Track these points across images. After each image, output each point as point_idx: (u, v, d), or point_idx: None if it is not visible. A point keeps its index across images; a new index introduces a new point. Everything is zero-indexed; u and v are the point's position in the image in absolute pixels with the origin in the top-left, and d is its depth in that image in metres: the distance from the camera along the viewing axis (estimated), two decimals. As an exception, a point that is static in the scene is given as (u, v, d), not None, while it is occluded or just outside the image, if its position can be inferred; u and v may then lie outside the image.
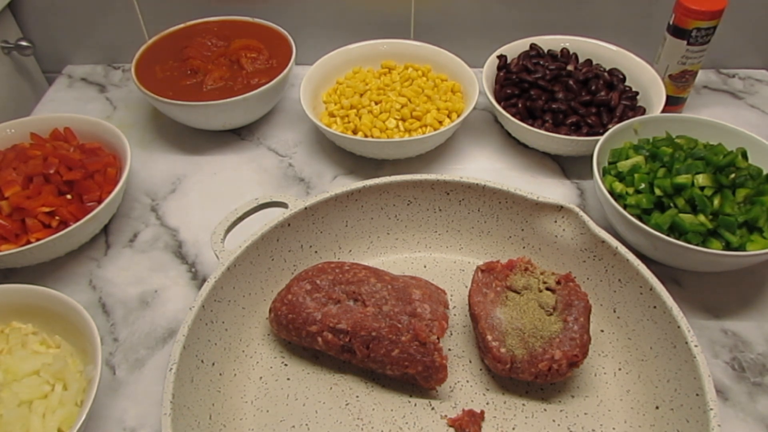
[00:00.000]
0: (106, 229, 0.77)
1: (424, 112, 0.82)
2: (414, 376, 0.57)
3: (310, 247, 0.68)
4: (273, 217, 0.64)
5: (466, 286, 0.68)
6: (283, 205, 0.66)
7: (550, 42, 0.90)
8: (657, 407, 0.56)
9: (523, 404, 0.58)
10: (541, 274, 0.61)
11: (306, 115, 0.82)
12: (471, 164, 0.85)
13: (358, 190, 0.67)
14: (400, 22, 0.98)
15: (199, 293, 0.58)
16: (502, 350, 0.57)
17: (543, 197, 0.65)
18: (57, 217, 0.69)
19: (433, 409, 0.59)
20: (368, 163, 0.85)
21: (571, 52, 0.89)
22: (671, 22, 0.81)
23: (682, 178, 0.65)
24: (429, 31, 0.98)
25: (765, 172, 0.68)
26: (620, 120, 0.79)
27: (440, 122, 0.82)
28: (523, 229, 0.68)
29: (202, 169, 0.85)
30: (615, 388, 0.59)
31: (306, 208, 0.66)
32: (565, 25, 0.95)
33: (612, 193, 0.68)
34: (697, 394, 0.52)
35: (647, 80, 0.85)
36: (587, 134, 0.80)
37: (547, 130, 0.80)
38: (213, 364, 0.59)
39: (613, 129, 0.73)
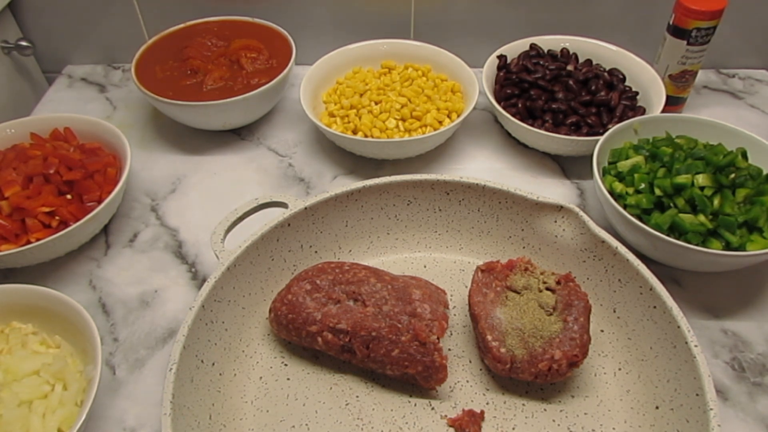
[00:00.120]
0: (106, 229, 0.77)
1: (424, 112, 0.82)
2: (414, 376, 0.57)
3: (310, 247, 0.68)
4: (273, 217, 0.64)
5: (466, 286, 0.68)
6: (283, 205, 0.66)
7: (550, 42, 0.90)
8: (657, 407, 0.56)
9: (523, 404, 0.58)
10: (541, 274, 0.61)
11: (306, 115, 0.82)
12: (471, 164, 0.85)
13: (358, 190, 0.67)
14: (400, 22, 0.98)
15: (199, 293, 0.58)
16: (502, 350, 0.57)
17: (543, 197, 0.65)
18: (57, 217, 0.69)
19: (433, 409, 0.59)
20: (368, 163, 0.85)
21: (571, 52, 0.89)
22: (671, 22, 0.81)
23: (682, 178, 0.65)
24: (429, 31, 0.98)
25: (765, 172, 0.68)
26: (620, 120, 0.79)
27: (440, 122, 0.82)
28: (523, 229, 0.68)
29: (202, 169, 0.85)
30: (615, 388, 0.59)
31: (306, 208, 0.66)
32: (565, 25, 0.95)
33: (612, 193, 0.68)
34: (697, 394, 0.52)
35: (647, 80, 0.85)
36: (587, 134, 0.80)
37: (547, 130, 0.80)
38: (213, 364, 0.59)
39: (613, 129, 0.73)
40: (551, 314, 0.59)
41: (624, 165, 0.70)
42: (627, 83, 0.86)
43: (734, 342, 0.64)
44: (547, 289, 0.60)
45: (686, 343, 0.54)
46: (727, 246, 0.62)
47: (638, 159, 0.70)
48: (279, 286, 0.65)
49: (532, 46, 0.90)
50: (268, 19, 0.93)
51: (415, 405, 0.59)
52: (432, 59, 0.91)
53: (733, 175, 0.65)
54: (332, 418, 0.58)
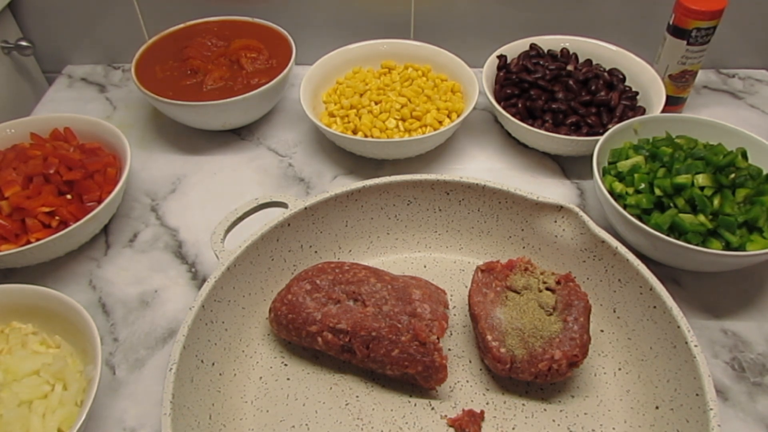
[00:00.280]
0: (106, 229, 0.77)
1: (424, 112, 0.82)
2: (414, 376, 0.57)
3: (310, 247, 0.68)
4: (273, 217, 0.64)
5: (466, 286, 0.68)
6: (283, 205, 0.66)
7: (550, 42, 0.90)
8: (657, 407, 0.56)
9: (523, 404, 0.58)
10: (541, 274, 0.61)
11: (306, 115, 0.82)
12: (471, 164, 0.85)
13: (358, 190, 0.67)
14: (400, 22, 0.98)
15: (199, 293, 0.58)
16: (502, 350, 0.57)
17: (543, 197, 0.65)
18: (57, 217, 0.69)
19: (433, 409, 0.59)
20: (368, 163, 0.85)
21: (571, 52, 0.89)
22: (671, 22, 0.81)
23: (682, 178, 0.65)
24: (429, 31, 0.98)
25: (765, 172, 0.68)
26: (620, 120, 0.79)
27: (440, 122, 0.82)
28: (523, 229, 0.68)
29: (202, 169, 0.85)
30: (615, 388, 0.59)
31: (306, 208, 0.66)
32: (565, 25, 0.95)
33: (612, 193, 0.68)
34: (697, 394, 0.52)
35: (647, 80, 0.85)
36: (587, 134, 0.80)
37: (547, 130, 0.80)
38: (213, 364, 0.59)
39: (613, 129, 0.73)
40: (551, 314, 0.59)
41: (624, 165, 0.70)
42: (627, 83, 0.86)
43: (734, 342, 0.64)
44: (547, 289, 0.60)
45: (686, 343, 0.54)
46: (727, 246, 0.62)
47: (638, 159, 0.70)
48: (279, 286, 0.65)
49: (532, 46, 0.90)
50: (268, 19, 0.93)
51: (415, 405, 0.59)
52: (432, 59, 0.91)
53: (733, 175, 0.65)
54: (332, 418, 0.58)
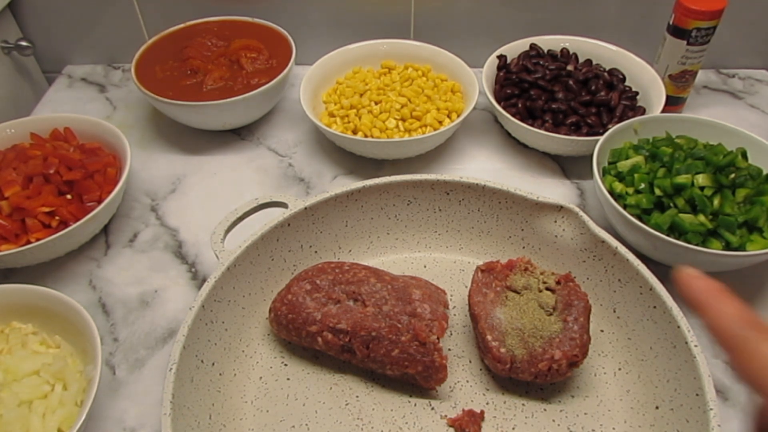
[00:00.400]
0: (106, 229, 0.77)
1: (424, 112, 0.82)
2: (414, 376, 0.57)
3: (310, 247, 0.68)
4: (273, 217, 0.64)
5: (466, 286, 0.68)
6: (283, 205, 0.66)
7: (550, 42, 0.90)
8: (657, 407, 0.56)
9: (523, 404, 0.58)
10: (541, 274, 0.61)
11: (306, 115, 0.82)
12: (471, 164, 0.85)
13: (358, 190, 0.67)
14: (400, 22, 0.98)
15: (199, 293, 0.58)
16: (502, 350, 0.57)
17: (543, 197, 0.65)
18: (57, 217, 0.69)
19: (433, 409, 0.59)
20: (368, 163, 0.85)
21: (571, 52, 0.89)
22: (671, 22, 0.81)
23: (682, 178, 0.65)
24: (429, 31, 0.98)
25: (765, 172, 0.68)
26: (620, 120, 0.79)
27: (440, 122, 0.82)
28: (523, 229, 0.68)
29: (202, 169, 0.85)
30: (615, 388, 0.59)
31: (306, 208, 0.66)
32: (565, 25, 0.95)
33: (612, 193, 0.68)
34: (697, 394, 0.52)
35: (647, 80, 0.85)
36: (587, 134, 0.80)
37: (547, 130, 0.80)
38: (213, 364, 0.59)
39: (613, 129, 0.73)
40: (551, 314, 0.59)
41: (624, 165, 0.70)
42: (627, 83, 0.86)
43: (734, 342, 0.64)
44: (547, 289, 0.60)
45: (686, 343, 0.54)
46: (727, 246, 0.62)
47: (638, 159, 0.70)
48: (279, 286, 0.65)
49: (532, 46, 0.90)
50: (268, 19, 0.93)
51: (415, 405, 0.59)
52: (432, 59, 0.91)
53: (733, 175, 0.65)
54: (332, 418, 0.58)
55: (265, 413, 0.58)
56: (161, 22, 0.93)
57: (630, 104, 0.82)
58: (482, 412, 0.57)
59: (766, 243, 0.62)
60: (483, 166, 0.85)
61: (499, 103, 0.84)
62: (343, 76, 0.91)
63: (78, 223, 0.67)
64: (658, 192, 0.66)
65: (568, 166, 0.84)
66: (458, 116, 0.81)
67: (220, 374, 0.59)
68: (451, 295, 0.67)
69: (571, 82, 0.83)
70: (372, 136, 0.80)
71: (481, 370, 0.61)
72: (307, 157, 0.87)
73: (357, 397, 0.59)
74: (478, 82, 0.84)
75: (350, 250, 0.71)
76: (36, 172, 0.71)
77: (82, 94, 0.99)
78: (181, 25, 0.93)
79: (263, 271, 0.65)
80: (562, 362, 0.55)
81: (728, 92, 0.97)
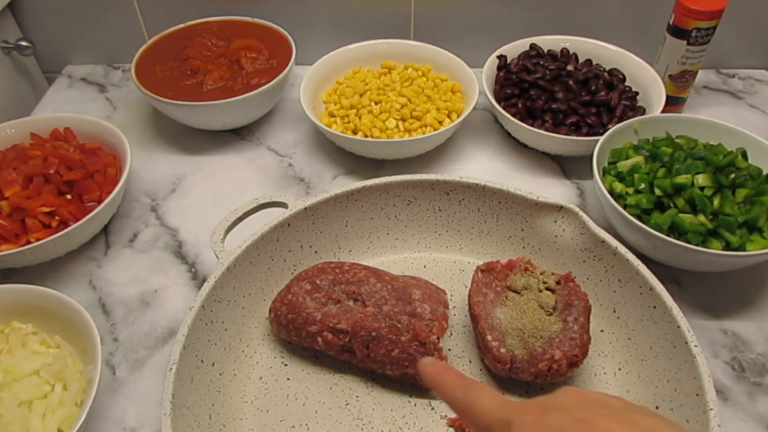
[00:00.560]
0: (106, 229, 0.77)
1: (424, 112, 0.82)
2: (414, 376, 0.57)
3: (310, 247, 0.68)
4: (273, 217, 0.64)
5: (466, 286, 0.68)
6: (283, 205, 0.66)
7: (550, 42, 0.90)
8: (657, 407, 0.56)
9: (523, 404, 0.58)
10: (541, 274, 0.61)
11: (306, 115, 0.82)
12: (471, 164, 0.85)
13: (358, 190, 0.67)
14: (400, 22, 0.98)
15: (199, 293, 0.58)
16: (502, 350, 0.57)
17: (543, 197, 0.65)
18: (57, 217, 0.69)
19: (433, 409, 0.59)
20: (368, 163, 0.85)
21: (571, 52, 0.89)
22: (671, 22, 0.81)
23: (682, 178, 0.65)
24: (429, 31, 0.98)
25: (765, 172, 0.68)
26: (620, 120, 0.79)
27: (440, 122, 0.82)
28: (523, 229, 0.68)
29: (202, 169, 0.85)
30: (615, 388, 0.59)
31: (306, 208, 0.66)
32: (565, 25, 0.95)
33: (612, 193, 0.68)
34: (697, 394, 0.52)
35: (647, 80, 0.85)
36: (587, 134, 0.80)
37: (547, 130, 0.80)
38: (213, 364, 0.59)
39: (613, 129, 0.73)
40: (551, 314, 0.59)
41: (624, 165, 0.70)
42: (627, 83, 0.86)
43: (734, 342, 0.64)
44: (547, 289, 0.60)
45: (686, 343, 0.54)
46: (727, 246, 0.62)
47: (638, 159, 0.70)
48: (279, 286, 0.65)
49: (532, 46, 0.90)
50: (268, 19, 0.93)
51: (415, 405, 0.59)
52: (432, 59, 0.91)
53: (733, 175, 0.65)
54: (332, 418, 0.58)
55: (265, 413, 0.58)
56: (161, 22, 0.93)
57: (630, 104, 0.82)
58: (482, 412, 0.57)
59: (766, 243, 0.62)
60: (483, 166, 0.85)
61: (499, 103, 0.84)
62: (343, 76, 0.91)
63: (78, 223, 0.67)
64: (658, 192, 0.66)
65: (568, 166, 0.84)
66: (458, 116, 0.81)
67: (220, 374, 0.59)
68: (451, 295, 0.67)
69: (571, 82, 0.83)
70: (372, 136, 0.80)
71: (481, 370, 0.61)
72: (307, 157, 0.87)
73: (357, 397, 0.59)
74: (478, 82, 0.84)
75: (350, 250, 0.71)
76: (36, 172, 0.71)
77: (82, 94, 0.99)
78: (181, 25, 0.93)
79: (263, 271, 0.65)
80: (562, 362, 0.55)
81: (728, 92, 0.97)
